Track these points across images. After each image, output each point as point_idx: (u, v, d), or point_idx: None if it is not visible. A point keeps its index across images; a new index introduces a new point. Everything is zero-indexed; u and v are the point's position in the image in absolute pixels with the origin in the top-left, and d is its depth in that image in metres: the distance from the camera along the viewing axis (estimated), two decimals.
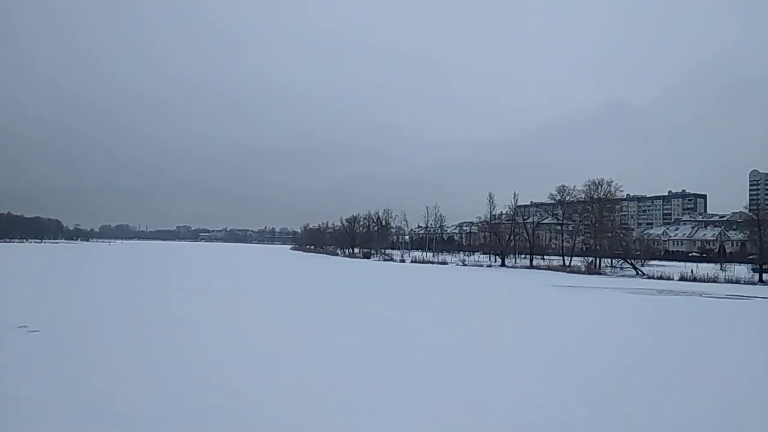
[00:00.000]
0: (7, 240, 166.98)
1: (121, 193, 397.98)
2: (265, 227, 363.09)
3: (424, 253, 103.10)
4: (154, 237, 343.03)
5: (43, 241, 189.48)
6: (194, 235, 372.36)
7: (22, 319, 16.65)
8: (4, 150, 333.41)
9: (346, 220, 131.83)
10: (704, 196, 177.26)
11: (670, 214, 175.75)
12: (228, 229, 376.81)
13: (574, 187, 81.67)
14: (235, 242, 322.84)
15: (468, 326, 19.68)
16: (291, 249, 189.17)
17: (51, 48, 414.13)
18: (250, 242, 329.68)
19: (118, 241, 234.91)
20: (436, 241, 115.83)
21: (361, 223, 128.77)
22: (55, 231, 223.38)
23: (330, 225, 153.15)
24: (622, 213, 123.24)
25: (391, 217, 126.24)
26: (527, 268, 76.42)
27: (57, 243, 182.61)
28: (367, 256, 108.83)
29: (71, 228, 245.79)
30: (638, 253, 72.51)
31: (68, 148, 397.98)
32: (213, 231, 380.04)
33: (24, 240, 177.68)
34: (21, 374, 10.40)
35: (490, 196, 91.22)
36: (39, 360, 11.66)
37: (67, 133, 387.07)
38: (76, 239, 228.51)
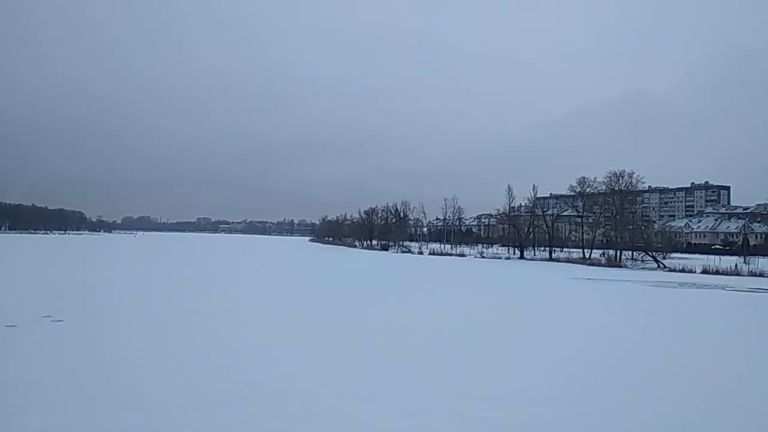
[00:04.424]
0: (32, 231, 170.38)
1: (142, 185, 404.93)
2: (284, 219, 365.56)
3: (442, 245, 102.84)
4: (174, 228, 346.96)
5: (67, 232, 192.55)
6: (214, 227, 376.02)
7: (47, 308, 16.96)
8: (28, 144, 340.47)
9: (365, 212, 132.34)
10: (728, 188, 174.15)
11: (692, 206, 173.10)
12: (247, 221, 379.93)
13: (595, 178, 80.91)
14: (254, 234, 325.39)
15: (485, 319, 19.60)
16: (309, 241, 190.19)
17: (72, 44, 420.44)
18: (269, 234, 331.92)
19: (140, 233, 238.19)
20: (454, 233, 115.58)
21: (380, 215, 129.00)
22: (78, 222, 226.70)
23: (348, 217, 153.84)
24: (644, 205, 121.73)
25: (410, 209, 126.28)
26: (546, 260, 75.90)
27: (80, 234, 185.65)
28: (385, 248, 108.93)
29: (94, 219, 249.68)
30: (660, 245, 71.49)
31: (91, 143, 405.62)
32: (233, 223, 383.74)
33: (48, 231, 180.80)
34: (44, 363, 10.60)
35: (509, 188, 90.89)
36: (62, 349, 11.88)
37: (90, 128, 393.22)
38: (99, 230, 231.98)
